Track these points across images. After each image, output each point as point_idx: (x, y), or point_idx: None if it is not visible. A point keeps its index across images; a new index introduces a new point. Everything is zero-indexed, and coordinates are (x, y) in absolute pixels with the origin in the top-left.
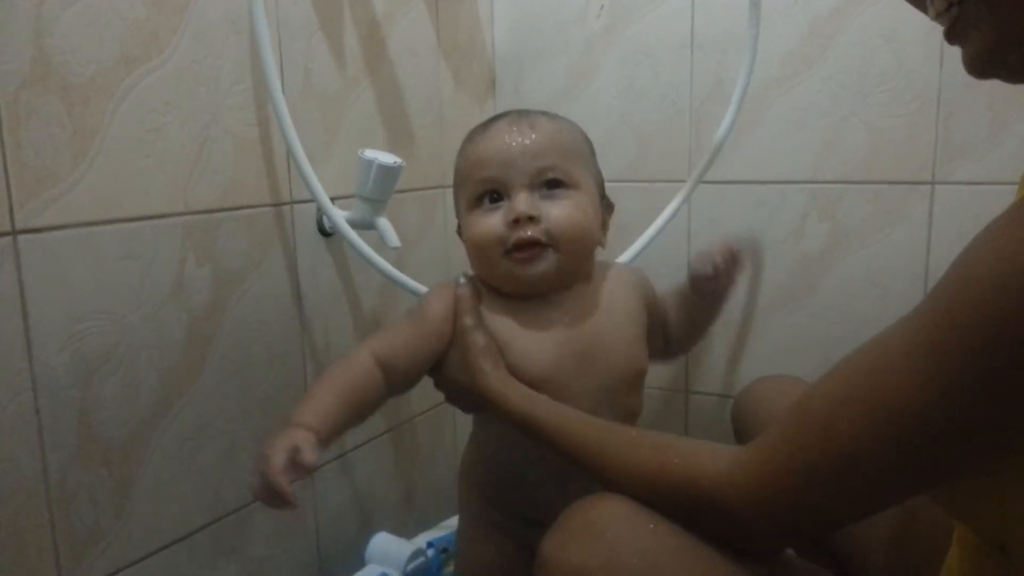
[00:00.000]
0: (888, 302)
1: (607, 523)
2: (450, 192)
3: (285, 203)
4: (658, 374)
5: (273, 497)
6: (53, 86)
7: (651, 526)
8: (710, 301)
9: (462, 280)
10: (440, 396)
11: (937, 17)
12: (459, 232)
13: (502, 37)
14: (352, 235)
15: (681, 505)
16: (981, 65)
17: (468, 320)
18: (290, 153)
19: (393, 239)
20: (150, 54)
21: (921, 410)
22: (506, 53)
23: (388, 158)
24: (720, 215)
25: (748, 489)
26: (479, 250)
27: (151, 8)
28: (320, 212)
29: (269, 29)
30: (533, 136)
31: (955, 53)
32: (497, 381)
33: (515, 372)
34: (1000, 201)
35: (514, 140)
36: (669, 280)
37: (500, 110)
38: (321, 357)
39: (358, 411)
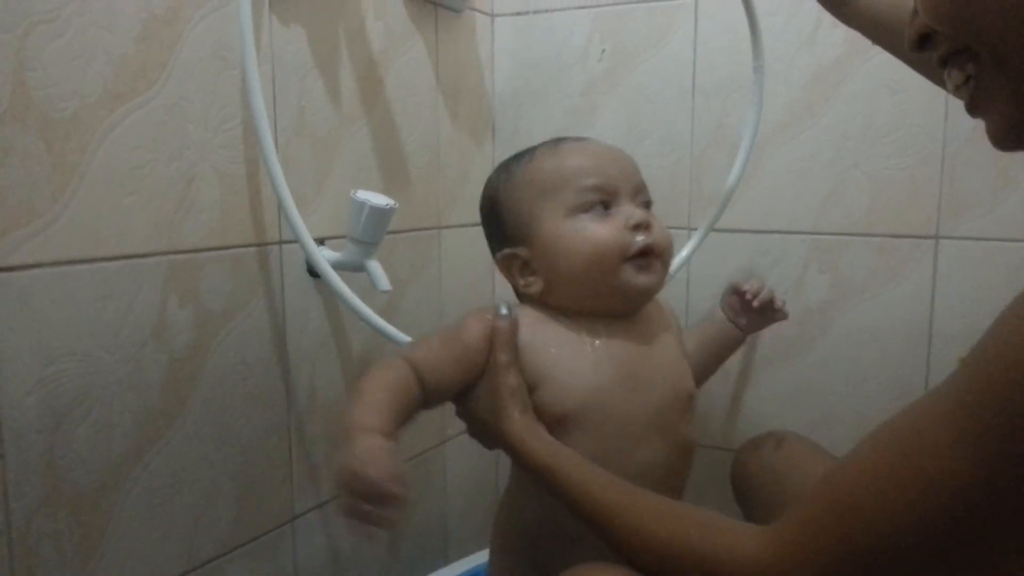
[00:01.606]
0: (889, 358)
1: None
2: (446, 233)
3: (273, 243)
4: None
5: (380, 500)
6: (33, 121)
7: None
8: (742, 321)
9: (504, 310)
10: (428, 442)
11: (956, 92)
12: (511, 254)
13: (502, 78)
14: (337, 281)
15: None
16: (1007, 139)
17: (503, 357)
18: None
19: (384, 282)
20: (137, 90)
21: (960, 489)
22: (505, 94)
23: (380, 200)
24: (721, 263)
25: (769, 573)
26: (597, 255)
27: (139, 43)
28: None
29: (262, 66)
30: (627, 154)
31: (960, 106)
32: (522, 428)
33: (559, 399)
34: (1006, 257)
35: (617, 155)
36: None
37: (498, 151)
38: (305, 402)
39: (408, 415)
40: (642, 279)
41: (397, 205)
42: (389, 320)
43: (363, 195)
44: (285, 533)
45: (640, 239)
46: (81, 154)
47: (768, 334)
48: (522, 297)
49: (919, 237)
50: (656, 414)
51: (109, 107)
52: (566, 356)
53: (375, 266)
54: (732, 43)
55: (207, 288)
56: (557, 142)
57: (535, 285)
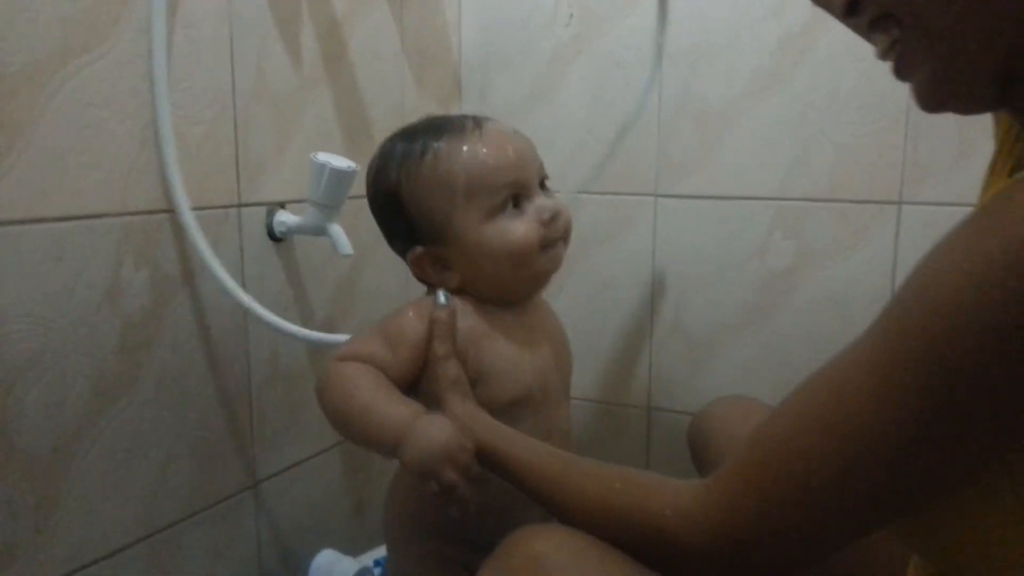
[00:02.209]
0: (852, 322)
1: (549, 555)
2: None
3: (232, 206)
4: (619, 391)
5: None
6: None
7: (598, 558)
8: None
9: (442, 299)
10: None
11: (883, 56)
12: (422, 253)
13: (469, 42)
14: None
15: (639, 542)
16: (931, 99)
17: (440, 349)
18: (239, 151)
19: (345, 246)
20: (88, 46)
21: (881, 432)
22: (473, 59)
23: (342, 162)
24: (685, 230)
25: (706, 527)
26: (522, 254)
27: None
28: (270, 216)
29: (220, 25)
30: (526, 139)
31: None
32: (464, 414)
33: (507, 389)
34: None
35: (520, 143)
36: (638, 294)
37: None
38: (266, 368)
39: None
40: (553, 263)
41: (359, 168)
42: (352, 291)
43: (324, 157)
44: (247, 499)
45: (554, 231)
46: (29, 111)
47: (731, 301)
48: (434, 288)
49: (882, 203)
50: (564, 380)
51: (59, 63)
52: (505, 346)
53: (337, 230)
54: (700, 9)
55: (163, 251)
56: (458, 130)
57: (452, 281)
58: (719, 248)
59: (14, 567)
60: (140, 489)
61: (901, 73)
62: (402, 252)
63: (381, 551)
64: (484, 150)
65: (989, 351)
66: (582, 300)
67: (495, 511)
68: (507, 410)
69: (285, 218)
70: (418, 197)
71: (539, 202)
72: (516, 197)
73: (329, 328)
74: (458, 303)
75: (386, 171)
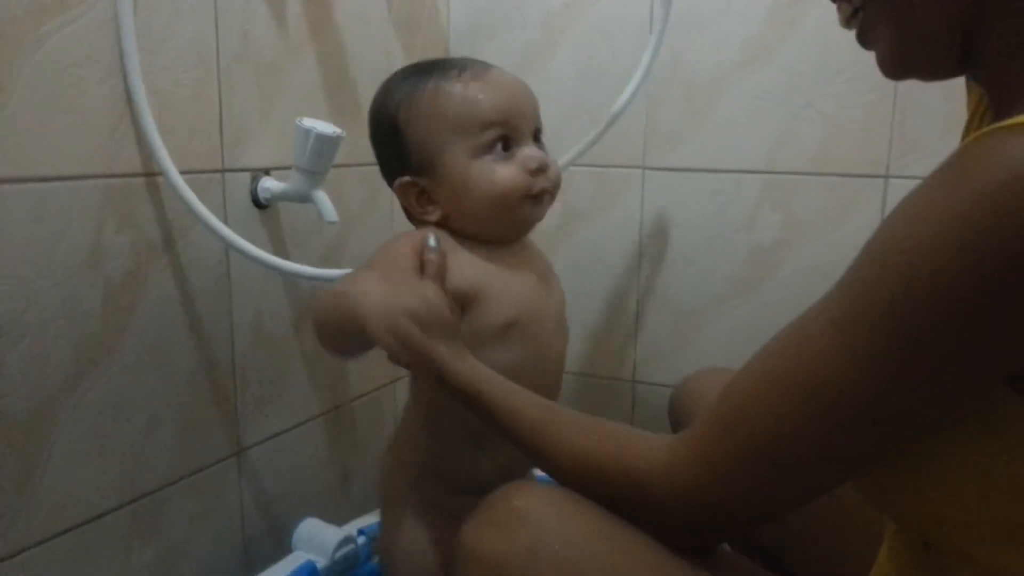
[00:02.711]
0: None
1: (531, 510)
2: None
3: (215, 171)
4: (605, 364)
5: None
6: None
7: (578, 514)
8: None
9: (432, 242)
10: (378, 381)
11: (846, 24)
12: (409, 182)
13: (457, 9)
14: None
15: (616, 496)
16: (891, 66)
17: (429, 271)
18: (224, 116)
19: (330, 213)
20: (66, 5)
21: (842, 385)
22: (461, 26)
23: (327, 127)
24: (673, 203)
25: (679, 479)
26: (503, 198)
27: None
28: (255, 182)
29: None
30: (527, 87)
31: None
32: (451, 356)
33: (495, 313)
34: None
35: (521, 90)
36: (625, 267)
37: None
38: (250, 335)
39: None
40: (536, 213)
41: (344, 134)
42: (337, 258)
43: (309, 122)
44: (231, 466)
45: (540, 182)
46: (8, 69)
47: (719, 273)
48: (417, 223)
49: (870, 176)
50: (557, 309)
51: (36, 22)
52: (495, 270)
53: (321, 196)
54: None
55: (146, 214)
56: (461, 69)
57: (433, 214)
58: (707, 221)
59: None
60: (123, 454)
61: (863, 40)
62: (387, 175)
63: (365, 520)
64: (479, 89)
65: (949, 299)
66: (569, 272)
67: (490, 453)
68: (501, 334)
69: (270, 184)
70: (413, 127)
71: (528, 151)
72: (505, 140)
73: (313, 297)
74: (444, 235)
75: (388, 99)
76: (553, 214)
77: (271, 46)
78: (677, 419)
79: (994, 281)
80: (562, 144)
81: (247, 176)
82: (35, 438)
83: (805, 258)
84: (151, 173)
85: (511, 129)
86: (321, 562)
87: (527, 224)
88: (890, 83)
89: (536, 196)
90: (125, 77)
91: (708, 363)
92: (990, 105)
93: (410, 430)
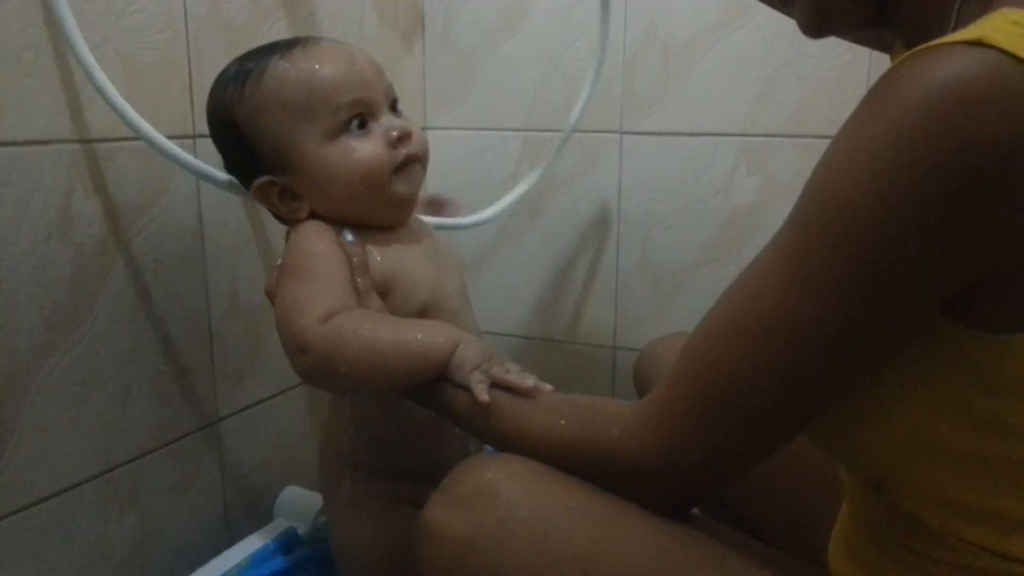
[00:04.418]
0: None
1: (500, 484)
2: None
3: (187, 136)
4: (585, 330)
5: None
6: None
7: (550, 485)
8: None
9: (349, 237)
10: None
11: None
12: (267, 183)
13: None
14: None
15: (590, 467)
16: (813, 23)
17: (362, 284)
18: (194, 81)
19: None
20: None
21: (796, 323)
22: None
23: None
24: (649, 167)
25: (651, 441)
26: (367, 177)
27: None
28: None
29: None
30: (368, 56)
31: None
32: None
33: (410, 299)
34: None
35: (361, 60)
36: (603, 233)
37: (429, 52)
38: (226, 304)
39: None
40: (407, 187)
41: None
42: None
43: None
44: (210, 435)
45: (403, 152)
46: None
47: (697, 238)
48: (287, 223)
49: None
50: (461, 288)
51: None
52: (398, 257)
53: None
54: None
55: (116, 180)
56: (286, 50)
57: (302, 211)
58: (684, 185)
59: None
60: (98, 423)
61: (785, 3)
62: (247, 185)
63: None
64: (321, 66)
65: (893, 219)
66: (547, 239)
67: (431, 436)
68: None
69: None
70: (254, 121)
71: (387, 122)
72: (360, 116)
73: None
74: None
75: (220, 99)
76: (532, 180)
77: (241, 8)
78: (642, 384)
79: (931, 193)
80: (539, 110)
81: None
82: (7, 407)
83: (783, 220)
84: (123, 138)
85: (364, 105)
86: (303, 529)
87: (403, 200)
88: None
89: (404, 167)
90: (69, 41)
91: (688, 327)
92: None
93: (339, 424)
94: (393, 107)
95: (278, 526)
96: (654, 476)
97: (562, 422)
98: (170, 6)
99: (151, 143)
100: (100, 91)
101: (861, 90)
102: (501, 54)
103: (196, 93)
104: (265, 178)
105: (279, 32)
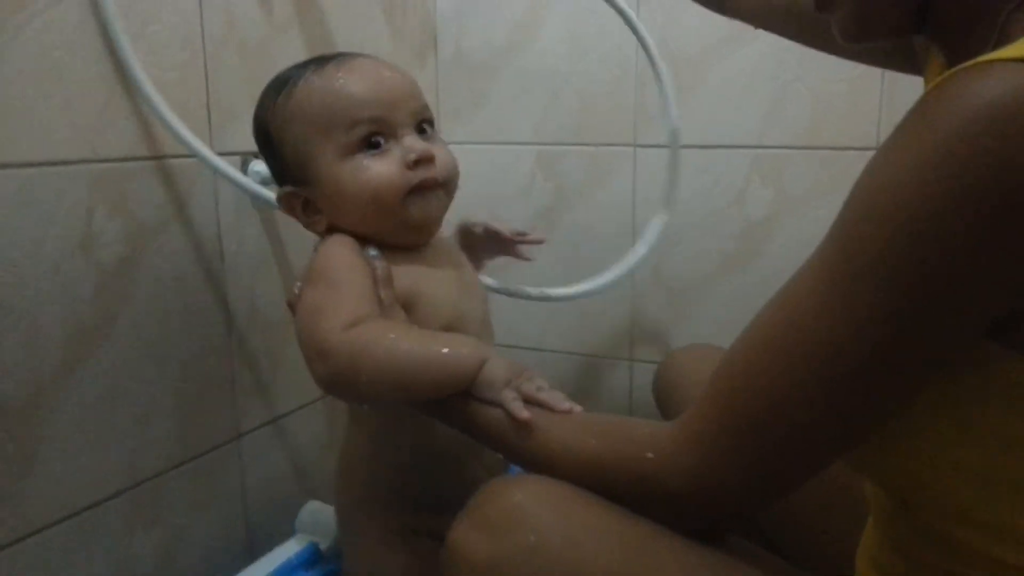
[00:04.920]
0: None
1: (529, 507)
2: None
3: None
4: (601, 343)
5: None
6: None
7: (581, 508)
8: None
9: (373, 252)
10: None
11: None
12: (290, 192)
13: None
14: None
15: (622, 489)
16: (853, 29)
17: (387, 296)
18: (211, 99)
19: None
20: None
21: (837, 345)
22: (447, 7)
23: None
24: (665, 180)
25: (686, 464)
26: (376, 197)
27: None
28: (245, 165)
29: None
30: (403, 75)
31: None
32: None
33: (429, 319)
34: None
35: (390, 78)
36: (618, 245)
37: (442, 68)
38: (245, 319)
39: None
40: (420, 211)
41: None
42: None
43: None
44: (231, 451)
45: (420, 175)
46: None
47: (711, 249)
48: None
49: (861, 149)
50: (483, 315)
51: (16, 5)
52: (421, 276)
53: None
54: None
55: (137, 199)
56: (321, 64)
57: (320, 224)
58: (698, 197)
59: None
60: (122, 440)
61: (823, 6)
62: (279, 185)
63: None
64: (343, 82)
65: (939, 241)
66: (563, 252)
67: (450, 463)
68: None
69: (260, 167)
70: (282, 131)
71: (408, 143)
72: (377, 135)
73: None
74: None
75: (260, 107)
76: (545, 194)
77: (256, 27)
78: (662, 396)
79: (979, 214)
80: (550, 124)
81: (237, 159)
82: (33, 425)
83: (797, 232)
84: (143, 157)
85: (382, 124)
86: (324, 544)
87: (420, 223)
88: None
89: (419, 191)
90: (120, 60)
91: (704, 339)
92: (946, 64)
93: (354, 455)
94: (422, 128)
95: (300, 541)
96: (689, 499)
97: (594, 442)
98: (188, 26)
99: (206, 162)
100: (156, 111)
101: (874, 101)
102: (513, 69)
103: (214, 111)
104: (288, 188)
105: (294, 50)
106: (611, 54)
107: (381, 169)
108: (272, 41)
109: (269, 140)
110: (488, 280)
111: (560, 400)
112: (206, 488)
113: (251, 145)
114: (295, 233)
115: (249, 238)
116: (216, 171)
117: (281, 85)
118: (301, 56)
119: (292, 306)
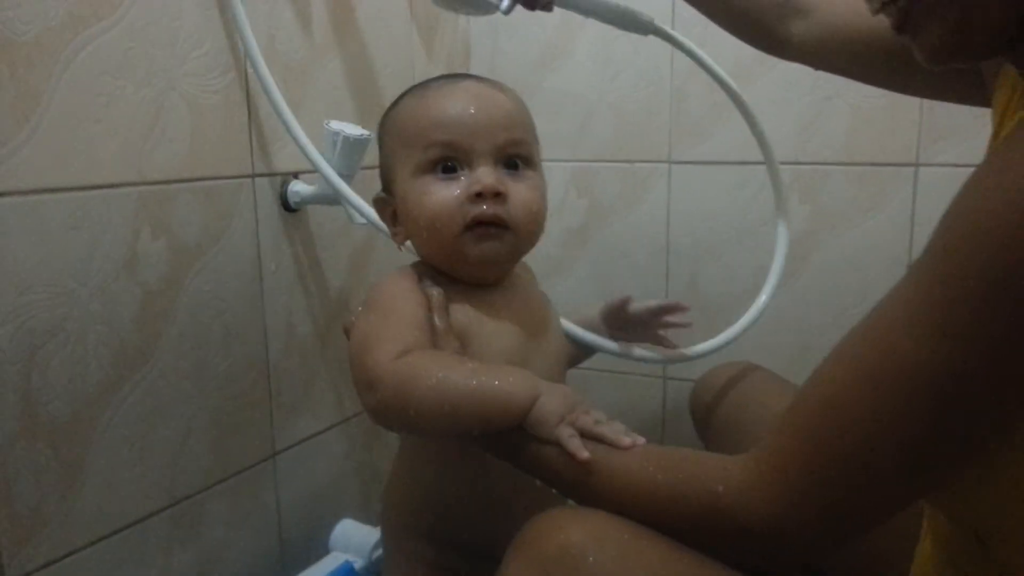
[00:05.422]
0: (869, 286)
1: (588, 547)
2: None
3: (246, 176)
4: (635, 360)
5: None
6: None
7: (642, 549)
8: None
9: (430, 284)
10: None
11: (883, 9)
12: (382, 199)
13: None
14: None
15: (687, 524)
16: (943, 53)
17: (441, 324)
18: (252, 121)
19: (359, 215)
20: (100, 13)
21: (934, 376)
22: (481, 25)
23: (355, 130)
24: (700, 196)
25: (760, 500)
26: (431, 223)
27: None
28: (284, 186)
29: None
30: (503, 104)
31: None
32: None
33: (490, 353)
34: None
35: (483, 105)
36: (653, 262)
37: None
38: (283, 338)
39: None
40: (477, 250)
41: (372, 135)
42: (366, 260)
43: (337, 125)
44: (267, 469)
45: (476, 210)
46: (46, 80)
47: (747, 267)
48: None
49: (899, 165)
50: (549, 368)
51: (72, 31)
52: (478, 318)
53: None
54: None
55: (180, 221)
56: (433, 81)
57: (400, 236)
58: (734, 214)
59: (45, 531)
60: (162, 458)
61: (906, 27)
62: None
63: None
64: (431, 101)
65: None
66: (598, 269)
67: (496, 503)
68: None
69: (299, 188)
70: (381, 139)
71: (480, 174)
72: (453, 161)
73: (343, 300)
74: (429, 274)
75: (384, 113)
76: (579, 211)
77: (296, 49)
78: (700, 414)
79: None
80: (585, 141)
81: (277, 180)
82: (77, 444)
83: (835, 249)
84: (186, 179)
85: (456, 148)
86: (358, 563)
87: (471, 261)
88: None
89: (480, 228)
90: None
91: (739, 357)
92: (1020, 76)
93: (403, 479)
94: (512, 163)
95: (335, 559)
96: (761, 536)
97: (659, 476)
98: (231, 49)
99: (328, 180)
100: (291, 133)
101: (914, 116)
102: (547, 87)
103: (255, 133)
104: (382, 194)
105: (334, 69)
106: (646, 71)
107: (444, 194)
108: (312, 62)
109: (380, 143)
110: (608, 344)
111: (620, 433)
112: (242, 506)
113: (290, 166)
114: (332, 254)
115: (287, 258)
116: (337, 191)
117: (400, 96)
118: (340, 76)
119: (348, 333)
